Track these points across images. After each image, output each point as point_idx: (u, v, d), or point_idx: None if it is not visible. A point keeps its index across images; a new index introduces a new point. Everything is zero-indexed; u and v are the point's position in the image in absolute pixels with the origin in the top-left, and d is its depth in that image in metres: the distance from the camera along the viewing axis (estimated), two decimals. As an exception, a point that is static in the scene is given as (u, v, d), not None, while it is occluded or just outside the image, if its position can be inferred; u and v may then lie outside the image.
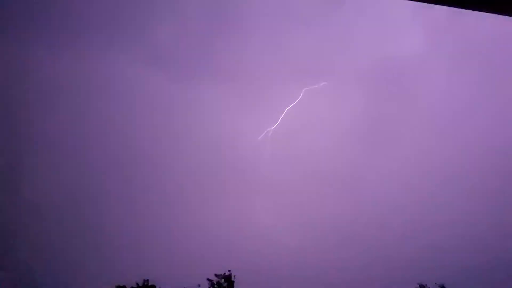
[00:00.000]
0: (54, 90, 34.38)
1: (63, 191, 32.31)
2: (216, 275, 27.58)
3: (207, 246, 30.88)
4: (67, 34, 35.25)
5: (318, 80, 37.21)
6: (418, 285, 28.20)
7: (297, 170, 37.41)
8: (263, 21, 39.30)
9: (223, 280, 27.42)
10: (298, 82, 37.45)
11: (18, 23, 33.54)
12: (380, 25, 39.89)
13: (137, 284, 27.36)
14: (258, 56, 39.14)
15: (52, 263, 28.13)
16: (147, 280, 27.48)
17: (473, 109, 37.42)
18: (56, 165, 33.03)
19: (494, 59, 37.66)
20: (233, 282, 27.44)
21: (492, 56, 37.77)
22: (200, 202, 34.34)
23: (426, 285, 28.20)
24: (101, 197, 32.63)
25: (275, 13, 40.01)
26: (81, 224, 30.58)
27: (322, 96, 37.79)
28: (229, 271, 27.55)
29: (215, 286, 27.34)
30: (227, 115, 37.70)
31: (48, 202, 31.25)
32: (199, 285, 27.11)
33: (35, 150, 32.71)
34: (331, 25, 39.39)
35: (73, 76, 34.82)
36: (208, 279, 27.45)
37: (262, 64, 38.99)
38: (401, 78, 39.23)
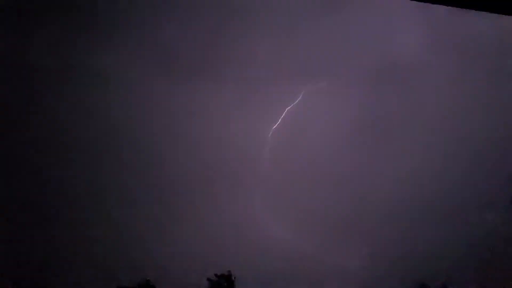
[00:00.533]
0: (51, 88, 34.36)
1: (62, 191, 32.34)
2: (216, 275, 27.59)
3: (207, 246, 30.89)
4: (66, 31, 35.23)
5: (318, 80, 37.22)
6: (418, 285, 28.16)
7: (298, 170, 37.42)
8: (262, 21, 39.28)
9: (223, 280, 27.43)
10: (298, 82, 37.45)
11: (17, 19, 33.56)
12: (381, 24, 39.85)
13: (138, 284, 27.37)
14: (258, 55, 39.12)
15: (52, 263, 28.16)
16: (148, 280, 27.49)
17: (475, 109, 37.35)
18: (54, 164, 33.04)
19: (494, 60, 37.64)
20: (233, 282, 27.44)
21: (493, 57, 37.74)
22: (200, 202, 34.36)
23: (427, 285, 28.15)
24: (100, 197, 32.65)
25: (274, 12, 39.98)
26: (80, 225, 30.59)
27: (322, 96, 37.79)
28: (229, 271, 27.54)
29: (215, 286, 27.34)
30: (226, 115, 37.67)
31: (47, 202, 31.29)
32: (199, 286, 27.13)
33: (33, 150, 32.74)
34: (332, 25, 39.34)
35: (70, 74, 34.78)
36: (208, 279, 27.46)
37: (262, 63, 38.98)
38: (401, 77, 39.20)
